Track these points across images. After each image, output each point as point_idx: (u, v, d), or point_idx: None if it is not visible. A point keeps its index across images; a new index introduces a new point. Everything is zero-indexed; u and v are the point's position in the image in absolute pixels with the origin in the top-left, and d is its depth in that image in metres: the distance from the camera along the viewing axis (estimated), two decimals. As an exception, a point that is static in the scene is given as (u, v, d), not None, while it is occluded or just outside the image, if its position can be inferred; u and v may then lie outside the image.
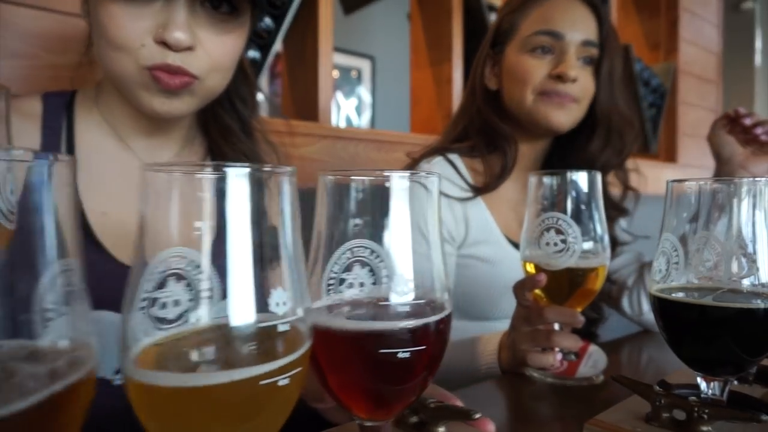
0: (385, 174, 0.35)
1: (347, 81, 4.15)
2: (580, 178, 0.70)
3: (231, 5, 0.64)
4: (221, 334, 0.28)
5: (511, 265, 0.99)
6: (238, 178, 0.28)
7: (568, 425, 0.60)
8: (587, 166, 0.95)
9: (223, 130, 0.77)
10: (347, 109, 4.18)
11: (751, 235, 0.47)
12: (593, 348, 0.79)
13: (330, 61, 1.40)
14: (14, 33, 0.94)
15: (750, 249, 0.47)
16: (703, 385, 0.51)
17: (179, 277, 0.27)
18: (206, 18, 0.63)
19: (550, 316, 0.71)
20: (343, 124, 4.11)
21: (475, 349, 0.80)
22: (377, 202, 0.35)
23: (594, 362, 0.76)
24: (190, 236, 0.27)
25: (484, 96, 1.03)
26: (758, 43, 3.82)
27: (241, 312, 0.28)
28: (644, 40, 2.54)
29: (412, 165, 1.03)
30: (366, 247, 0.35)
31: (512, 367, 0.76)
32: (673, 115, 2.47)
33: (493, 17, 1.93)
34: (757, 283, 0.47)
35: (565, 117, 0.95)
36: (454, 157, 1.01)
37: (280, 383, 0.29)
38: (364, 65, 4.22)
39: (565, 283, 0.71)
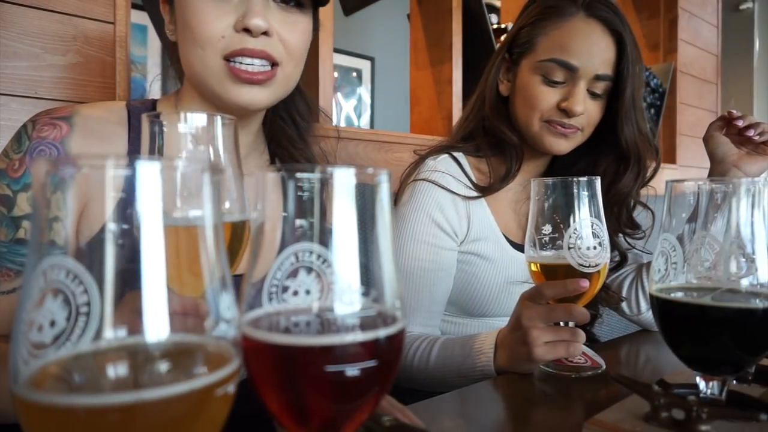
0: (328, 170, 0.31)
1: (347, 81, 4.15)
2: (582, 182, 0.73)
3: (297, 1, 0.72)
4: (132, 350, 0.25)
5: (509, 264, 1.00)
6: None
7: (567, 425, 0.60)
8: (617, 195, 0.98)
9: (285, 138, 0.86)
10: (347, 109, 4.18)
11: (749, 235, 0.47)
12: (588, 350, 0.81)
13: (330, 62, 1.40)
14: (14, 33, 0.94)
15: (748, 249, 0.47)
16: (702, 384, 0.51)
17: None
18: (278, 10, 0.71)
19: (548, 291, 0.72)
20: (343, 124, 4.11)
21: (471, 347, 0.81)
22: (323, 201, 0.31)
23: (592, 356, 0.78)
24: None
25: (494, 102, 1.03)
26: (757, 44, 3.82)
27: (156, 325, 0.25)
28: (643, 41, 2.55)
29: (418, 162, 1.04)
30: (312, 251, 0.31)
31: (510, 366, 0.76)
32: (672, 115, 2.47)
33: (493, 18, 1.93)
34: (755, 282, 0.47)
35: (566, 145, 0.97)
36: (460, 156, 1.02)
37: (198, 406, 0.26)
38: (364, 66, 4.22)
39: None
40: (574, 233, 0.72)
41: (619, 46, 0.94)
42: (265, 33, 0.69)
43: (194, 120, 0.50)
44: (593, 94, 0.95)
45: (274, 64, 0.70)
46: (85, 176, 0.25)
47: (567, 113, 0.93)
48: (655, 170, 1.03)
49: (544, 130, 0.96)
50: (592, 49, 0.92)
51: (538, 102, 0.95)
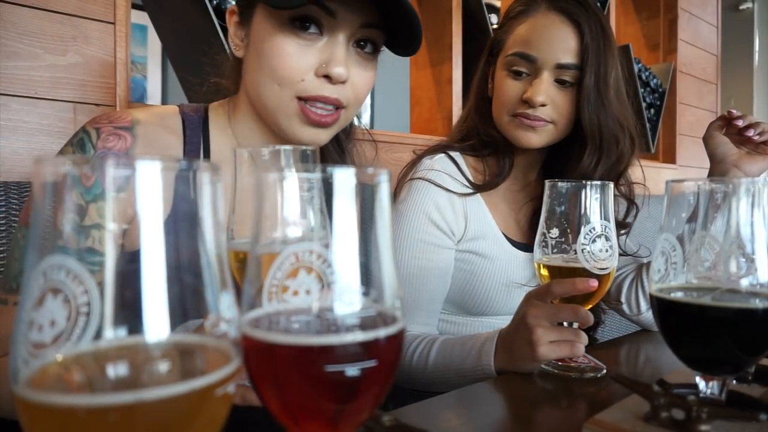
0: (328, 170, 0.31)
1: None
2: (595, 186, 0.74)
3: (374, 45, 0.74)
4: (132, 350, 0.25)
5: (508, 262, 1.00)
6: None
7: (567, 425, 0.60)
8: (583, 179, 0.96)
9: (324, 156, 0.86)
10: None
11: (749, 235, 0.47)
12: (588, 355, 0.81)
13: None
14: (14, 33, 0.94)
15: (748, 249, 0.47)
16: (701, 384, 0.51)
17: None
18: (355, 56, 0.72)
19: (557, 288, 0.72)
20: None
21: (471, 348, 0.81)
22: (323, 201, 0.31)
23: (593, 359, 0.78)
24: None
25: (479, 103, 1.06)
26: (757, 44, 3.82)
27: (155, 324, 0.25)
28: (643, 41, 2.55)
29: (416, 161, 1.04)
30: (312, 251, 0.31)
31: (511, 365, 0.76)
32: (671, 115, 2.47)
33: (493, 18, 1.93)
34: (755, 282, 0.47)
35: (536, 138, 0.96)
36: (456, 155, 1.03)
37: (198, 406, 0.26)
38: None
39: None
40: (588, 236, 0.73)
41: (580, 34, 0.94)
42: (343, 81, 0.70)
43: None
44: (562, 83, 0.95)
45: (340, 107, 0.72)
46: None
47: (528, 103, 0.94)
48: (629, 159, 0.99)
49: (512, 124, 0.97)
50: (551, 40, 0.94)
51: (505, 96, 0.98)
